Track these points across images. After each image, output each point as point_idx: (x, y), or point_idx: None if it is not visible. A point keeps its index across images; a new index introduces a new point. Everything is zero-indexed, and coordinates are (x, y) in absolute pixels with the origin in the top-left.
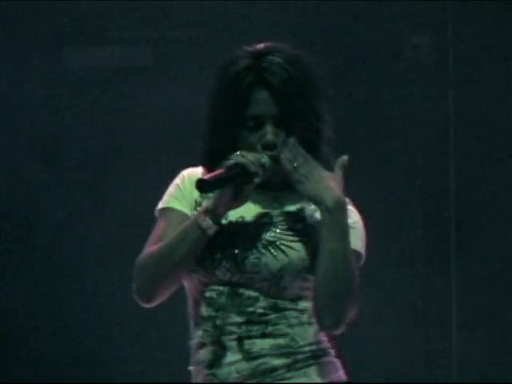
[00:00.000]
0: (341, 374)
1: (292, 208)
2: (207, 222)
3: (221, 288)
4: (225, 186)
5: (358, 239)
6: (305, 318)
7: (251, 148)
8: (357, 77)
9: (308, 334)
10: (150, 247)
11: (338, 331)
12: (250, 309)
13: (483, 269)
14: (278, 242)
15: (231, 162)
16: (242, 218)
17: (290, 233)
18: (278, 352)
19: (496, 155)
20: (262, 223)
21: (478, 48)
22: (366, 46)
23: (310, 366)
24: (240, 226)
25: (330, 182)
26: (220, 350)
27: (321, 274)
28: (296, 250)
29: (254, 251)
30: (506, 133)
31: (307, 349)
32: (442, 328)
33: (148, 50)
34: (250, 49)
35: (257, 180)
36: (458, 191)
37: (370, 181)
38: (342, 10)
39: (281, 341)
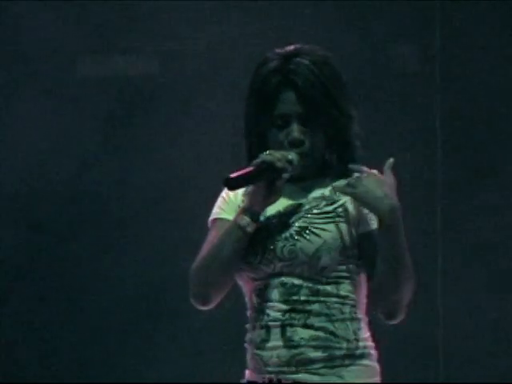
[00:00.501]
0: (376, 380)
1: (321, 192)
2: (245, 221)
3: (268, 280)
4: (252, 183)
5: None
6: (347, 310)
7: (280, 145)
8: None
9: (349, 330)
10: (202, 253)
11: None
12: (295, 297)
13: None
14: (310, 227)
15: (258, 160)
16: (279, 212)
17: (322, 216)
18: (316, 344)
19: (482, 161)
20: (294, 213)
21: (464, 56)
22: (354, 54)
23: (346, 366)
24: (276, 219)
25: (384, 188)
26: (266, 334)
27: (383, 278)
28: (328, 231)
29: (290, 239)
30: (492, 139)
31: (345, 345)
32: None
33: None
34: (279, 51)
35: (285, 175)
36: (444, 197)
37: None
38: (328, 19)
39: (321, 333)
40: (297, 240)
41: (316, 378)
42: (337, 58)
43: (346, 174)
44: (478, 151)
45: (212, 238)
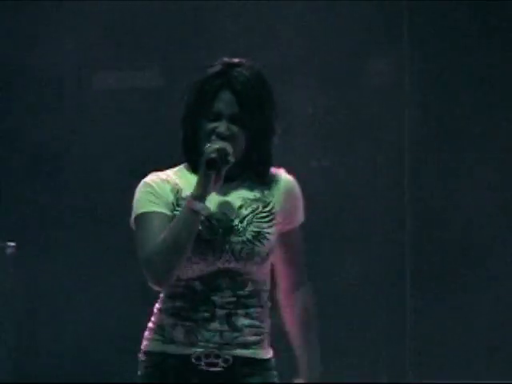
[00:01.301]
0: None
1: (253, 194)
2: (200, 206)
3: (217, 272)
4: (213, 170)
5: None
6: (266, 298)
7: (207, 136)
8: (319, 98)
9: (267, 315)
10: (152, 242)
11: None
12: (240, 291)
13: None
14: (262, 232)
15: (214, 148)
16: (222, 210)
17: (266, 220)
18: (253, 330)
19: (450, 173)
20: (239, 214)
21: (433, 71)
22: (329, 66)
23: (265, 346)
24: (223, 217)
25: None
26: (210, 317)
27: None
28: (273, 234)
29: (248, 243)
30: (460, 149)
31: (267, 330)
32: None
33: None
34: (225, 59)
35: (228, 165)
36: (413, 204)
37: None
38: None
39: (256, 322)
40: (254, 244)
41: (248, 352)
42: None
43: (264, 176)
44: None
45: (152, 228)
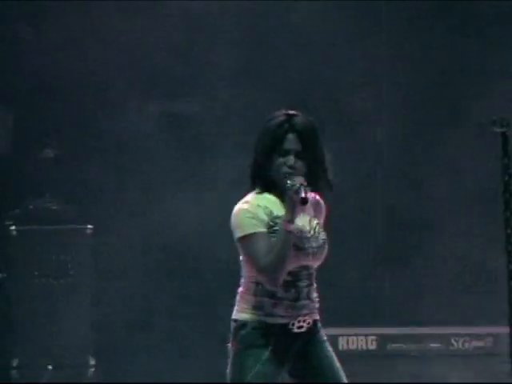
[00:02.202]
0: None
1: (313, 212)
2: (293, 227)
3: (298, 268)
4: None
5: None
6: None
7: (278, 167)
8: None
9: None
10: (266, 258)
11: None
12: (310, 280)
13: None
14: (325, 239)
15: (299, 185)
16: (304, 225)
17: (322, 230)
18: (317, 300)
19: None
20: (313, 227)
21: (404, 105)
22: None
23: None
24: (305, 231)
25: None
26: (297, 296)
27: None
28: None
29: (320, 248)
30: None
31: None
32: None
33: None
34: (284, 111)
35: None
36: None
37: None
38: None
39: (316, 294)
40: (324, 248)
41: (315, 315)
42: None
43: (320, 197)
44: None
45: (263, 246)
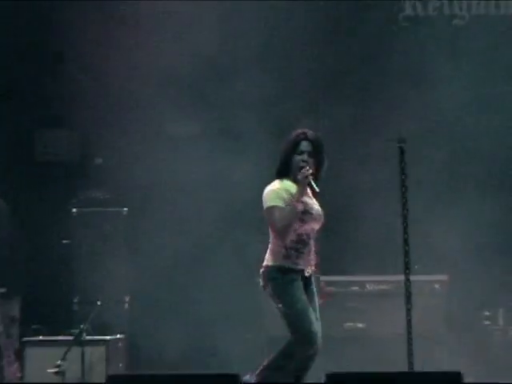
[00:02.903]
0: None
1: (312, 192)
2: (300, 207)
3: (311, 231)
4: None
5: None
6: None
7: (297, 162)
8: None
9: None
10: (281, 222)
11: None
12: (314, 238)
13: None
14: (321, 211)
15: (310, 172)
16: (308, 204)
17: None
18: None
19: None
20: (315, 202)
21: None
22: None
23: None
24: (309, 207)
25: None
26: (308, 252)
27: None
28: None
29: (322, 215)
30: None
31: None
32: None
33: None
34: (304, 129)
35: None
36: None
37: None
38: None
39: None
40: (323, 216)
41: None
42: None
43: (317, 185)
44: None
45: (281, 213)
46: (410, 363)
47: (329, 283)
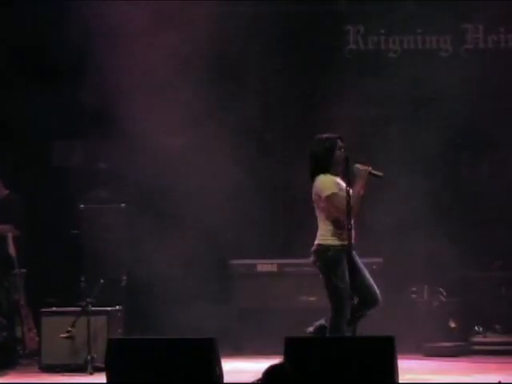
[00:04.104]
0: None
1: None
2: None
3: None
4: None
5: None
6: None
7: (340, 158)
8: None
9: None
10: (341, 205)
11: None
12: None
13: None
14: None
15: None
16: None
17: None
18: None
19: None
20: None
21: None
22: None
23: None
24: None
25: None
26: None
27: None
28: None
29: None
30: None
31: None
32: None
33: None
34: (338, 134)
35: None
36: None
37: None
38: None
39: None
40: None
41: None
42: None
43: None
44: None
45: (340, 200)
46: (354, 330)
47: (286, 265)
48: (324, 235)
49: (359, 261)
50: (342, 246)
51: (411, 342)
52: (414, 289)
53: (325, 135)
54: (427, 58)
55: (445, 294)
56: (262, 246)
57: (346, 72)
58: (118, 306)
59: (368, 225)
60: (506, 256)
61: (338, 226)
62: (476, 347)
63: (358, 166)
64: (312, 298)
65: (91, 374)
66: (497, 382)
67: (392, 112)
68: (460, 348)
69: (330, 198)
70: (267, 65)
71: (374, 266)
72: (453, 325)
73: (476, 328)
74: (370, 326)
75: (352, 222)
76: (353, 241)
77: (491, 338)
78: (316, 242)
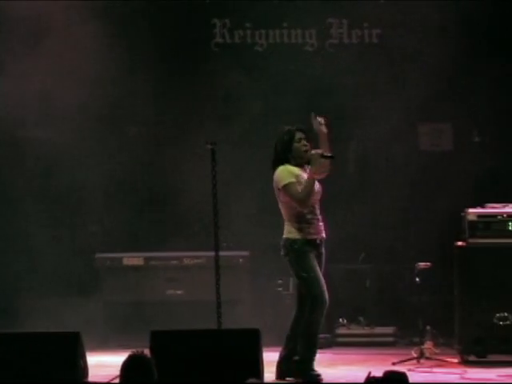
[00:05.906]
0: None
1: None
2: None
3: (317, 202)
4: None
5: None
6: None
7: (300, 149)
8: None
9: None
10: (299, 194)
11: None
12: (319, 212)
13: None
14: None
15: (322, 153)
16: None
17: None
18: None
19: None
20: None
21: None
22: None
23: None
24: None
25: None
26: (318, 224)
27: None
28: None
29: (319, 187)
30: None
31: None
32: None
33: None
34: (298, 126)
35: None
36: None
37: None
38: None
39: None
40: (320, 188)
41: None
42: None
43: None
44: None
45: (297, 188)
46: (219, 322)
47: (153, 259)
48: (288, 229)
49: (323, 260)
50: (307, 239)
51: (277, 334)
52: (280, 281)
53: (287, 127)
54: (293, 52)
55: None
56: (130, 240)
57: (213, 65)
58: None
59: (235, 220)
60: (369, 249)
61: (302, 220)
62: (340, 339)
63: (312, 151)
64: (179, 292)
65: None
66: (367, 373)
67: (260, 106)
68: (324, 340)
69: (286, 188)
70: (133, 59)
71: (241, 260)
72: None
73: (340, 320)
74: (237, 318)
75: (318, 213)
76: (323, 234)
77: (355, 329)
78: (283, 236)
